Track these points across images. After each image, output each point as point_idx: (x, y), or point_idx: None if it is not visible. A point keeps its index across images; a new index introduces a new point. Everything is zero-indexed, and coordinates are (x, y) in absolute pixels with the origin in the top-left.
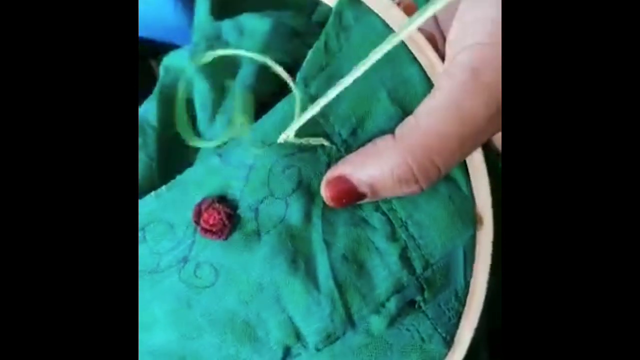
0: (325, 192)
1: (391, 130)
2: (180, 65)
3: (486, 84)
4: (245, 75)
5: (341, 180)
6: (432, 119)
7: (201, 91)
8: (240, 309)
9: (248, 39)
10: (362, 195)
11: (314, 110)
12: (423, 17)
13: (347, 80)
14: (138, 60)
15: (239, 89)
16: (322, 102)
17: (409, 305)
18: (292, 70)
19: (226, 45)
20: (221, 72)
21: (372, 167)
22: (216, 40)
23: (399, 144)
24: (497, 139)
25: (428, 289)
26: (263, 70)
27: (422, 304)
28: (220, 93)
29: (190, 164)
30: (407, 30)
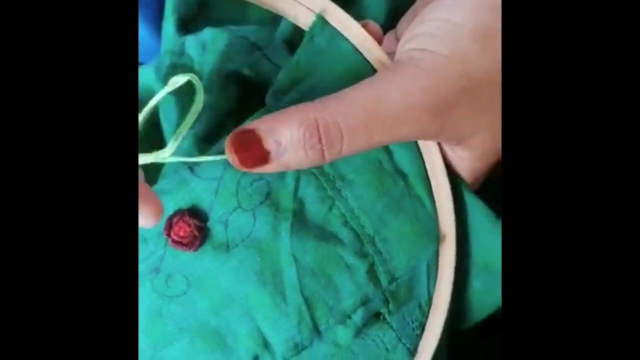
0: (229, 147)
1: None
2: (146, 82)
3: (411, 75)
4: (206, 89)
5: (247, 133)
6: (351, 90)
7: (166, 106)
8: (211, 318)
9: (210, 53)
10: (266, 154)
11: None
12: None
13: None
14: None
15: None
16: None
17: (375, 317)
18: (252, 82)
19: (190, 59)
20: (185, 85)
21: (282, 123)
22: (180, 56)
23: (312, 104)
24: (460, 165)
25: (393, 302)
26: (224, 83)
27: (387, 315)
28: (185, 107)
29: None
30: None
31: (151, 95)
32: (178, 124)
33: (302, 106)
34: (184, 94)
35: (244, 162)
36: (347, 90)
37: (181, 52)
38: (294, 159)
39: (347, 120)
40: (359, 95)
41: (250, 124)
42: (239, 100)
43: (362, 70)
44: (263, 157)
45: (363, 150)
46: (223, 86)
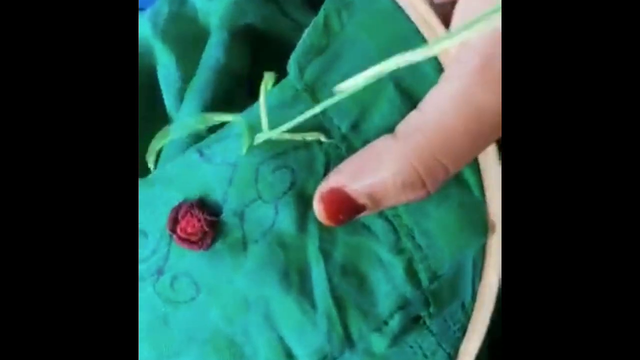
0: (318, 209)
1: (397, 123)
2: (140, 32)
3: (499, 72)
4: (214, 46)
5: (335, 193)
6: (438, 112)
7: (166, 65)
8: (225, 326)
9: (217, 2)
10: (361, 208)
11: (315, 110)
12: (459, 36)
13: (355, 81)
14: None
15: (209, 64)
16: (328, 102)
17: (413, 321)
18: (266, 37)
19: (193, 9)
20: (188, 42)
21: (371, 175)
22: (182, 4)
23: (402, 143)
24: None
25: (434, 303)
26: (236, 39)
27: (427, 319)
28: (188, 68)
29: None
30: (440, 46)
31: (145, 51)
32: (180, 89)
33: (388, 149)
34: (186, 52)
35: (332, 218)
36: (431, 109)
37: (182, 0)
38: (395, 203)
39: (452, 156)
40: (456, 123)
41: (333, 181)
42: (252, 61)
43: (404, 31)
44: (358, 210)
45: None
46: (233, 43)
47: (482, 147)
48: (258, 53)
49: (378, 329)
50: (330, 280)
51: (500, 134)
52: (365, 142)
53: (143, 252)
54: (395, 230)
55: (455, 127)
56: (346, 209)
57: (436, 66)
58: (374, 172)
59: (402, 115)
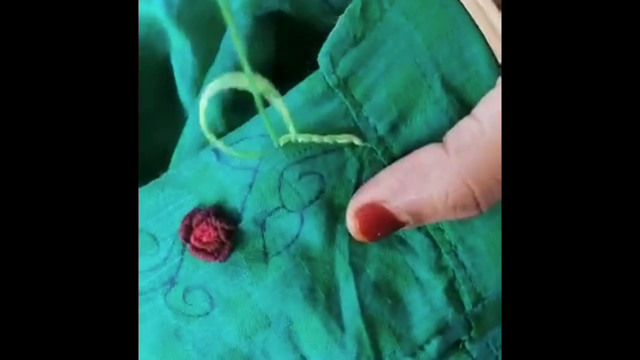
0: (352, 225)
1: (443, 128)
2: (151, 13)
3: None
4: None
5: (373, 208)
6: (498, 124)
7: (180, 51)
8: (241, 344)
9: None
10: (401, 225)
11: None
12: None
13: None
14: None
15: (229, 51)
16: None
17: (452, 346)
18: (294, 21)
19: None
20: (205, 26)
21: (417, 191)
22: None
23: (455, 159)
24: None
25: (476, 327)
26: (260, 24)
27: (467, 344)
28: (205, 55)
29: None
30: None
31: (158, 34)
32: (196, 79)
33: (438, 163)
34: (203, 37)
35: (368, 234)
36: (490, 118)
37: None
38: (440, 220)
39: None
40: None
41: (371, 194)
42: (278, 51)
43: (456, 20)
44: (397, 227)
45: None
46: (257, 30)
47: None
48: (284, 39)
49: (413, 354)
50: (361, 299)
51: None
52: (405, 147)
53: (153, 259)
54: (435, 246)
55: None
56: (385, 226)
57: (491, 63)
58: (420, 188)
59: (450, 119)
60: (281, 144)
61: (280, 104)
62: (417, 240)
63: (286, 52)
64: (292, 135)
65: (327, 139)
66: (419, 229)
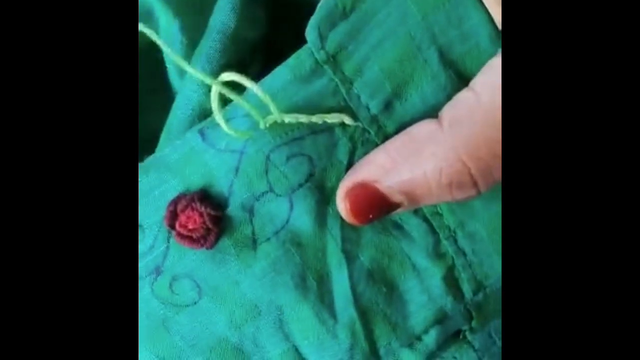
0: (343, 207)
1: (441, 105)
2: None
3: None
4: (224, 8)
5: (365, 189)
6: (497, 95)
7: (167, 29)
8: (231, 334)
9: None
10: (395, 207)
11: None
12: None
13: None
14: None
15: (217, 29)
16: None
17: (453, 336)
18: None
19: None
20: (193, 4)
21: (410, 169)
22: None
23: (449, 133)
24: None
25: (477, 317)
26: (248, 1)
27: (468, 334)
28: (193, 33)
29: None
30: None
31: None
32: (184, 56)
33: (432, 138)
34: (191, 15)
35: (360, 216)
36: (489, 90)
37: None
38: (436, 202)
39: (483, 155)
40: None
41: (362, 173)
42: (268, 25)
43: None
44: (391, 209)
45: None
46: (246, 5)
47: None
48: (275, 16)
49: (410, 345)
50: (354, 287)
51: None
52: (400, 125)
53: (139, 247)
54: (434, 232)
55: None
56: (377, 207)
57: (492, 34)
58: (413, 166)
59: (448, 96)
60: (267, 125)
61: (256, 89)
62: (414, 225)
63: (280, 29)
64: (277, 115)
65: (315, 118)
66: (416, 213)
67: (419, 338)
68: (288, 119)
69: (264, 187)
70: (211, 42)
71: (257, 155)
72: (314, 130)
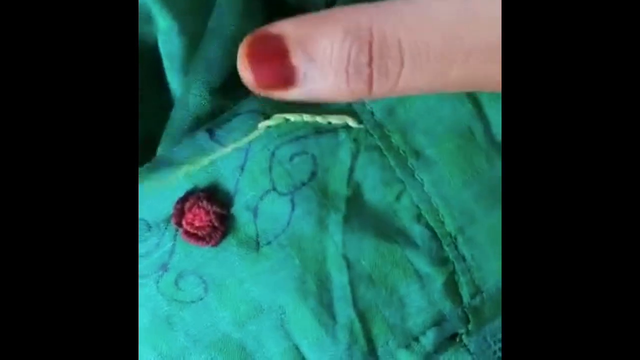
0: (242, 56)
1: (443, 114)
2: None
3: None
4: (224, 10)
5: (269, 38)
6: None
7: (166, 32)
8: (235, 331)
9: None
10: (292, 73)
11: None
12: None
13: None
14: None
15: (217, 32)
16: None
17: (449, 338)
18: (287, 7)
19: None
20: (192, 6)
21: (320, 29)
22: None
23: (368, 7)
24: None
25: (474, 320)
26: (250, 2)
27: (464, 337)
28: (192, 35)
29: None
30: None
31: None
32: (184, 60)
33: (351, 9)
34: (189, 17)
35: (260, 79)
36: None
37: None
38: (329, 85)
39: (414, 39)
40: (440, 6)
41: (274, 26)
42: None
43: None
44: (287, 76)
45: (428, 91)
46: (247, 10)
47: (458, 64)
48: (275, 17)
49: (407, 345)
50: (354, 290)
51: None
52: (403, 130)
53: (145, 245)
54: (436, 237)
55: (438, 16)
56: (274, 63)
57: None
58: (322, 28)
59: (452, 104)
60: (272, 124)
61: None
62: (417, 232)
63: None
64: (282, 114)
65: (320, 118)
66: (419, 220)
67: (416, 339)
68: (293, 118)
69: (268, 185)
70: (211, 45)
71: (262, 153)
72: (318, 130)
